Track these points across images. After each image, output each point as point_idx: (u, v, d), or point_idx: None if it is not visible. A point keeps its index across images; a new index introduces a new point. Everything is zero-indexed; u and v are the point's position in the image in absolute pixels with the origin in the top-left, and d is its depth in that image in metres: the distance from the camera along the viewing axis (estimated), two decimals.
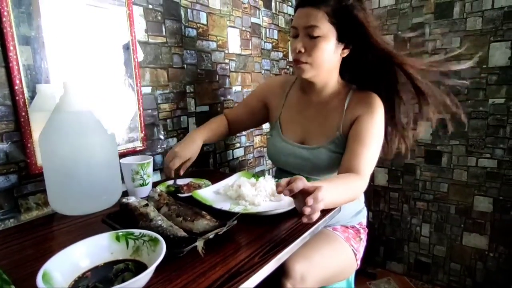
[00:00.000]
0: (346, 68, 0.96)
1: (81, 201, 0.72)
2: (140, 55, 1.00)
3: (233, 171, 1.43)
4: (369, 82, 0.95)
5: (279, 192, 0.59)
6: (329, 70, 0.92)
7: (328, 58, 0.88)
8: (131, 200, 0.64)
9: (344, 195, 0.74)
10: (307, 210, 0.56)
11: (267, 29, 1.57)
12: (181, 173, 0.91)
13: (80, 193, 0.71)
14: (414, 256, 1.82)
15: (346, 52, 0.91)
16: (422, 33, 1.61)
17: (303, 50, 0.87)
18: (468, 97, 1.55)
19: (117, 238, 0.52)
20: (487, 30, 1.47)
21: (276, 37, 1.64)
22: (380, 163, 1.83)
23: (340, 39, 0.87)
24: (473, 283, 1.66)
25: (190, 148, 0.91)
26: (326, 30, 0.85)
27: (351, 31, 0.87)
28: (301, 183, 0.59)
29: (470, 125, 1.56)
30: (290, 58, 1.76)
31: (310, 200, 0.56)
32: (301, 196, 0.60)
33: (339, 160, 0.89)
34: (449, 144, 1.63)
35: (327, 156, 0.92)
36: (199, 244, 0.53)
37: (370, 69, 0.93)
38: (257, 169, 1.61)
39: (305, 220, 0.58)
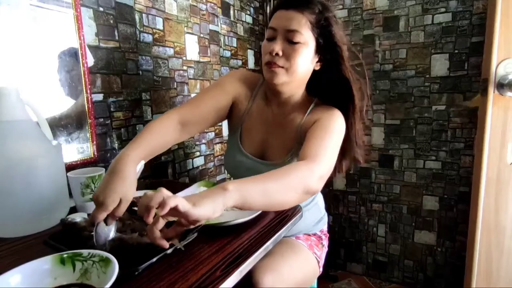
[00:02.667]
0: (313, 81, 0.91)
1: (20, 221, 0.64)
2: (90, 60, 0.94)
3: (193, 180, 1.38)
4: (333, 98, 0.90)
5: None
6: (300, 80, 0.87)
7: (304, 67, 0.83)
8: (78, 219, 0.58)
9: (265, 196, 0.60)
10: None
11: (226, 37, 1.57)
12: (110, 222, 0.58)
13: (18, 211, 0.63)
14: (372, 256, 1.90)
15: (319, 65, 0.87)
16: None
17: (280, 53, 0.80)
18: (415, 104, 1.67)
19: (62, 261, 0.47)
20: (428, 43, 1.60)
21: (235, 45, 1.64)
22: None
23: (317, 50, 0.84)
24: (424, 278, 1.78)
25: (119, 189, 0.58)
26: (307, 38, 0.80)
27: (327, 46, 0.84)
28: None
29: (417, 130, 1.69)
30: (250, 65, 1.77)
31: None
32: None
33: None
34: (399, 148, 1.74)
35: None
36: (175, 242, 0.53)
37: (335, 86, 0.89)
38: (218, 177, 1.58)
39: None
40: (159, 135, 0.74)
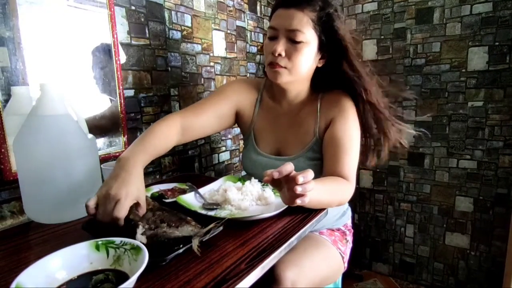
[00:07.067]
0: (317, 76, 0.92)
1: (59, 209, 0.69)
2: (123, 57, 0.98)
3: (219, 175, 1.41)
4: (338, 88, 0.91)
5: (266, 181, 0.59)
6: (304, 78, 0.88)
7: (307, 66, 0.84)
8: None
9: (330, 195, 0.73)
10: (298, 189, 0.56)
11: (253, 33, 1.57)
12: (141, 213, 0.60)
13: (58, 200, 0.68)
14: (399, 257, 1.85)
15: (322, 62, 0.87)
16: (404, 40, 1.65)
17: (283, 54, 0.80)
18: (448, 100, 1.59)
19: (97, 247, 0.50)
20: (465, 35, 1.52)
21: (261, 40, 1.64)
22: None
23: (320, 48, 0.84)
24: (455, 282, 1.70)
25: (133, 183, 0.59)
26: (310, 37, 0.80)
27: (331, 42, 0.83)
28: (290, 166, 0.57)
29: (450, 128, 1.61)
30: None
31: (298, 188, 0.56)
32: (287, 186, 0.59)
33: (318, 167, 0.87)
34: (431, 146, 1.67)
35: (306, 165, 0.87)
36: (194, 243, 0.53)
37: (341, 80, 0.89)
38: (243, 173, 1.60)
39: (298, 202, 0.58)
40: (163, 139, 0.74)
